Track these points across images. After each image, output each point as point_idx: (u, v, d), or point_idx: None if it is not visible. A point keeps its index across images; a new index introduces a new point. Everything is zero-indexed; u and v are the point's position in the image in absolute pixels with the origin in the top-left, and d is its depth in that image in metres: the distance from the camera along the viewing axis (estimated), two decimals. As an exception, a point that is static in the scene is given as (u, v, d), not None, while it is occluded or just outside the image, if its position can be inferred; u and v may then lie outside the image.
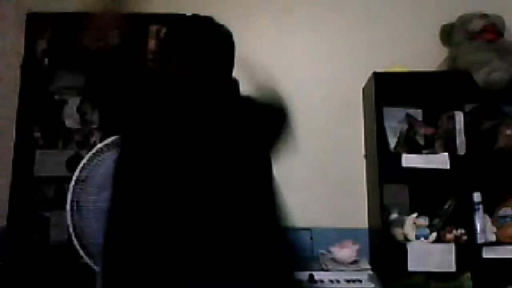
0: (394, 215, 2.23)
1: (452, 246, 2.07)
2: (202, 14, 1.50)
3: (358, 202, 2.44)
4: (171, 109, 1.33)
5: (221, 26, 1.47)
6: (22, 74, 2.56)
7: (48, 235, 2.42)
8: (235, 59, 1.46)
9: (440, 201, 2.25)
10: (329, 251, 2.19)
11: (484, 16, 2.33)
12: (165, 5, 2.61)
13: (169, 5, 2.61)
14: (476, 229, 2.13)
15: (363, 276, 2.03)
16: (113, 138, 1.90)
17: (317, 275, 2.03)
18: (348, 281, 2.01)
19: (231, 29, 2.80)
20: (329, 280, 2.02)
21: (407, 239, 2.13)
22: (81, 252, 1.88)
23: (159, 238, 1.22)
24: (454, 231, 2.13)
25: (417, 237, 2.12)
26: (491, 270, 2.14)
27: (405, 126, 2.36)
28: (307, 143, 2.51)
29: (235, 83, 1.45)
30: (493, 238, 2.15)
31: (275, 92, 1.51)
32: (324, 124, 2.53)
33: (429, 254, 2.06)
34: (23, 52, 2.58)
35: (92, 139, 2.51)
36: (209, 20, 1.46)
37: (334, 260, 2.15)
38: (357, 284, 2.00)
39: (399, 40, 2.56)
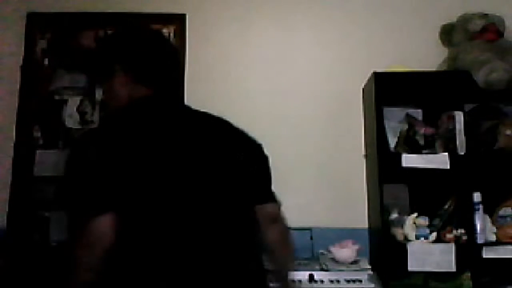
0: (394, 215, 2.23)
1: (452, 246, 2.07)
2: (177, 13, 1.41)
3: (358, 202, 2.43)
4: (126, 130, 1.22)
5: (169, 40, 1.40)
6: (22, 74, 2.56)
7: (48, 235, 2.42)
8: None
9: (440, 201, 2.25)
10: (329, 251, 2.19)
11: (484, 16, 2.33)
12: (166, 5, 2.61)
13: (170, 5, 2.61)
14: (476, 229, 2.13)
15: (363, 276, 2.02)
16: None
17: (317, 275, 2.03)
18: (348, 281, 2.01)
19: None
20: (329, 280, 2.02)
21: (407, 239, 2.13)
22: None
23: None
24: (454, 231, 2.13)
25: (417, 237, 2.12)
26: (491, 270, 2.15)
27: (405, 126, 2.35)
28: (307, 142, 2.52)
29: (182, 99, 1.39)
30: (493, 238, 2.15)
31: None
32: (324, 124, 2.53)
33: (429, 254, 2.06)
34: (23, 52, 2.59)
35: (92, 139, 2.51)
36: (158, 34, 1.40)
37: (334, 260, 2.14)
38: (357, 284, 2.00)
39: (399, 40, 2.56)
